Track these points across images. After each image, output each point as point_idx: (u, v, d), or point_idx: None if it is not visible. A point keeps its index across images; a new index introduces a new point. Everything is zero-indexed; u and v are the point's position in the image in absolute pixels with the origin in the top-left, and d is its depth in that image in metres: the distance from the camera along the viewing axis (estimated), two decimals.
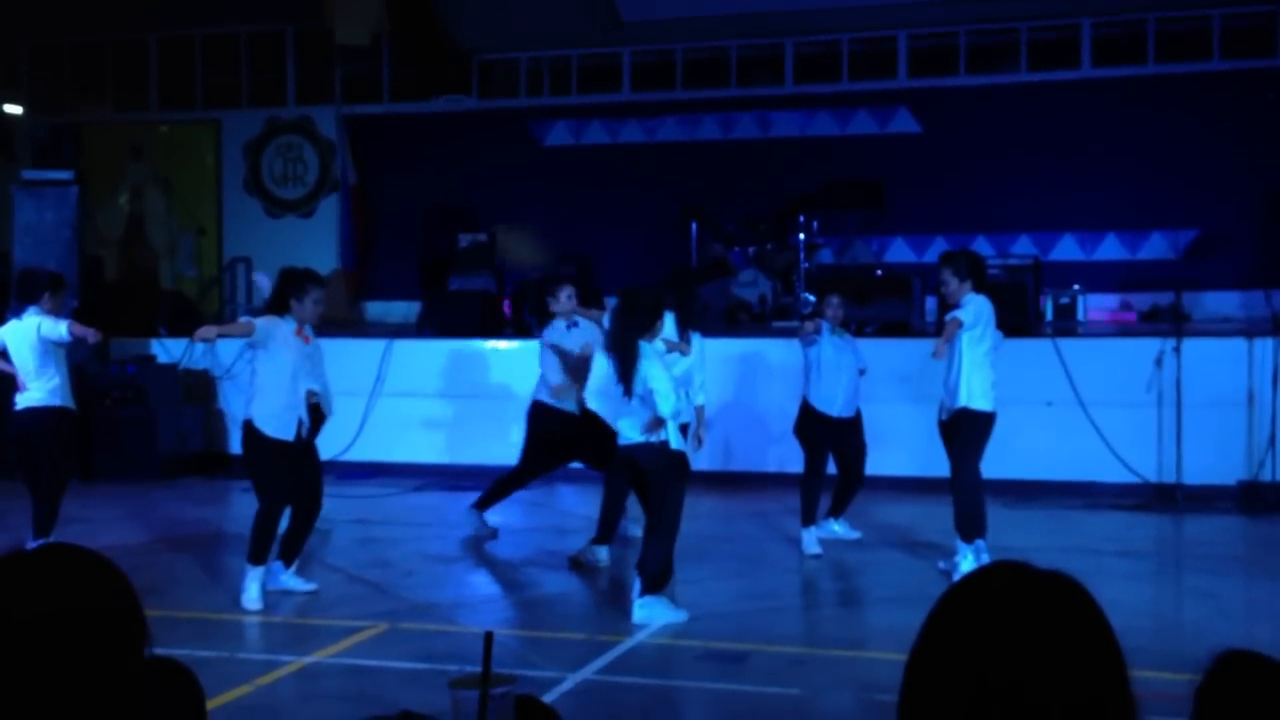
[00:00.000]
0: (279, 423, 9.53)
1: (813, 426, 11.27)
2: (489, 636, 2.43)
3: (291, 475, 9.61)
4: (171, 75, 20.65)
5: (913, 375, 13.98)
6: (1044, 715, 1.74)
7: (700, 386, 10.89)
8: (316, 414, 11.48)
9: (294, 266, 10.08)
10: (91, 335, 10.92)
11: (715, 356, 13.62)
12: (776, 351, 14.16)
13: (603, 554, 10.72)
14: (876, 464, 14.10)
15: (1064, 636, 1.79)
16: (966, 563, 9.93)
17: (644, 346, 9.22)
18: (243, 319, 10.29)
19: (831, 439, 11.34)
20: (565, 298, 11.43)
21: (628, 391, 9.23)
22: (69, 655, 2.01)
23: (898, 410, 14.05)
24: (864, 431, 11.53)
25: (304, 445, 9.70)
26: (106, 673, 2.04)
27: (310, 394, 9.86)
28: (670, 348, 9.99)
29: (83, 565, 2.13)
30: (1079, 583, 1.86)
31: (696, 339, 10.93)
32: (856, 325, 14.77)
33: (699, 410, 10.76)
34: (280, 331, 9.56)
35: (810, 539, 11.13)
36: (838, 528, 11.68)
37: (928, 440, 14.02)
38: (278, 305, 9.72)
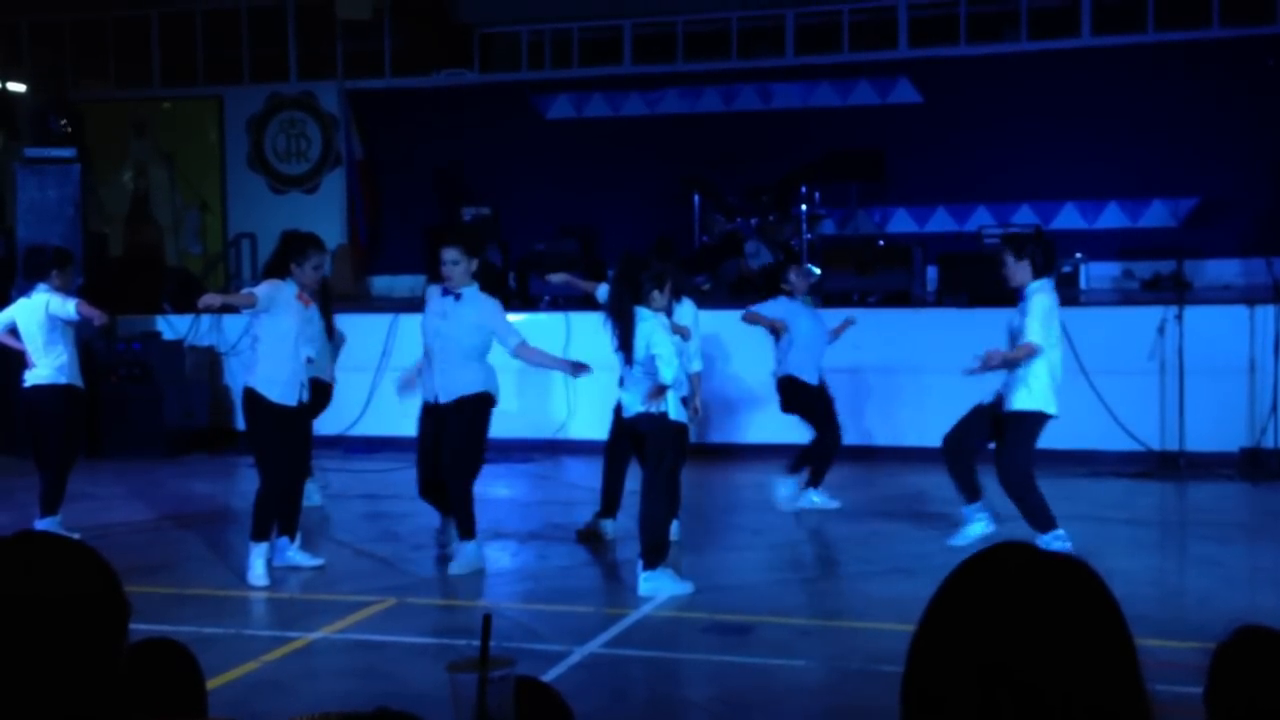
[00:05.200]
0: (283, 389, 9.51)
1: (800, 395, 11.42)
2: (487, 619, 2.44)
3: (289, 444, 9.63)
4: (173, 51, 20.63)
5: (914, 345, 14.02)
6: (1052, 702, 1.73)
7: (696, 354, 10.74)
8: (323, 390, 11.54)
9: (296, 230, 9.96)
10: (98, 318, 10.96)
11: (720, 328, 13.64)
12: None
13: (609, 527, 10.75)
14: (882, 434, 14.18)
15: (1073, 622, 1.77)
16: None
17: (644, 312, 9.20)
18: (244, 291, 10.27)
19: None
20: None
21: (628, 359, 9.23)
22: (50, 641, 2.01)
23: (901, 380, 14.08)
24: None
25: (302, 411, 9.72)
26: (89, 658, 2.04)
27: (308, 360, 9.85)
28: (674, 330, 9.91)
29: (60, 551, 2.12)
30: (1089, 566, 1.84)
31: (690, 307, 10.90)
32: (859, 296, 14.83)
33: (694, 378, 10.51)
34: (282, 295, 9.50)
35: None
36: (816, 498, 11.77)
37: (931, 410, 14.05)
38: (278, 269, 9.68)
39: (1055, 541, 9.49)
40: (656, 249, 11.33)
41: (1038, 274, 9.65)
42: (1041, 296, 9.59)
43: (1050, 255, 10.17)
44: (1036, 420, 9.72)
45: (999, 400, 9.79)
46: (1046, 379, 9.61)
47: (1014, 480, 9.72)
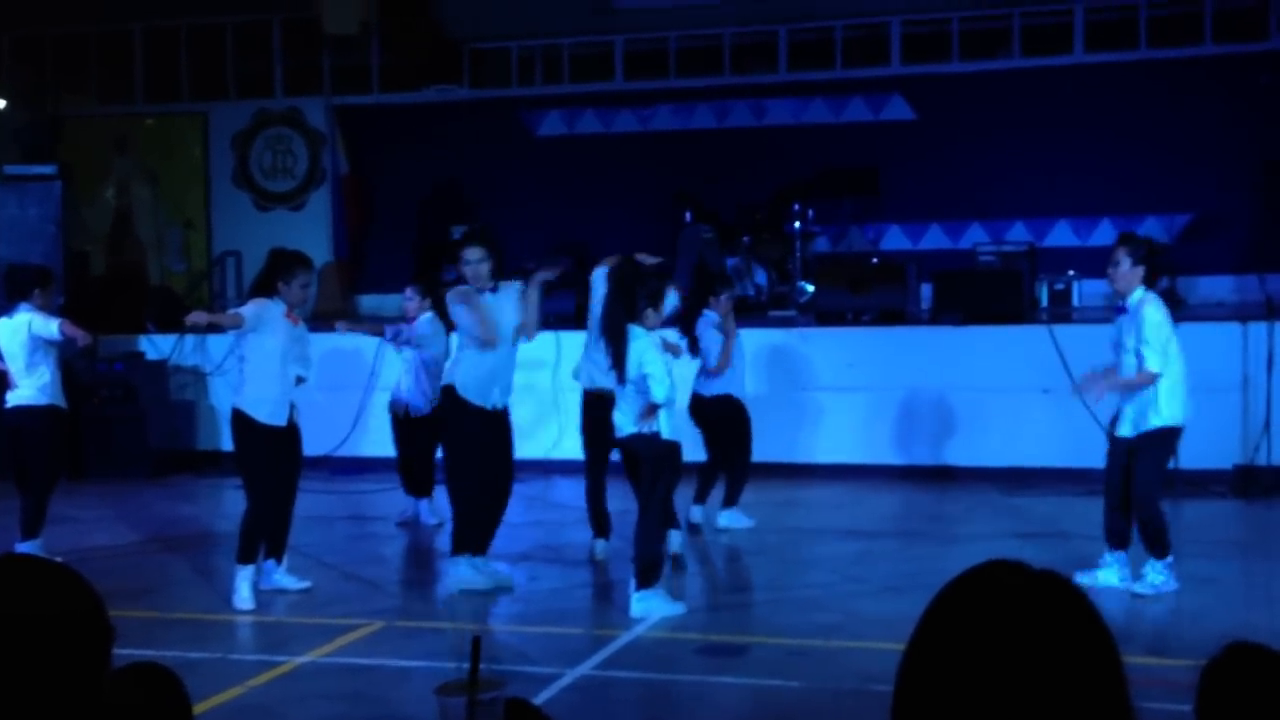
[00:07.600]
0: (272, 409, 9.43)
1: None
2: (476, 641, 2.35)
3: (278, 465, 9.52)
4: (157, 67, 20.48)
5: (906, 364, 13.95)
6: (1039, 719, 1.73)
7: None
8: None
9: (283, 248, 9.87)
10: (82, 338, 10.86)
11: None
12: (774, 340, 14.14)
13: (599, 547, 10.65)
14: (874, 453, 14.08)
15: (1060, 640, 1.78)
16: (1155, 576, 9.21)
17: (637, 330, 9.11)
18: (231, 311, 10.17)
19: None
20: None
21: (620, 378, 9.14)
22: (32, 665, 1.98)
23: (891, 399, 14.00)
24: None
25: (292, 432, 9.60)
26: (72, 681, 2.01)
27: (298, 380, 9.72)
28: (666, 348, 9.81)
29: (43, 574, 2.09)
30: (1075, 585, 1.86)
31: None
32: (853, 314, 14.74)
33: None
34: (270, 314, 9.43)
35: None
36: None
37: (921, 429, 13.99)
38: (265, 288, 9.58)
39: (1159, 573, 9.16)
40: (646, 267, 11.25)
41: (1146, 285, 9.30)
42: (1152, 310, 9.17)
43: (1159, 267, 9.84)
44: (1171, 435, 9.37)
45: (1117, 425, 9.33)
46: (1169, 393, 9.16)
47: (1144, 500, 9.24)
